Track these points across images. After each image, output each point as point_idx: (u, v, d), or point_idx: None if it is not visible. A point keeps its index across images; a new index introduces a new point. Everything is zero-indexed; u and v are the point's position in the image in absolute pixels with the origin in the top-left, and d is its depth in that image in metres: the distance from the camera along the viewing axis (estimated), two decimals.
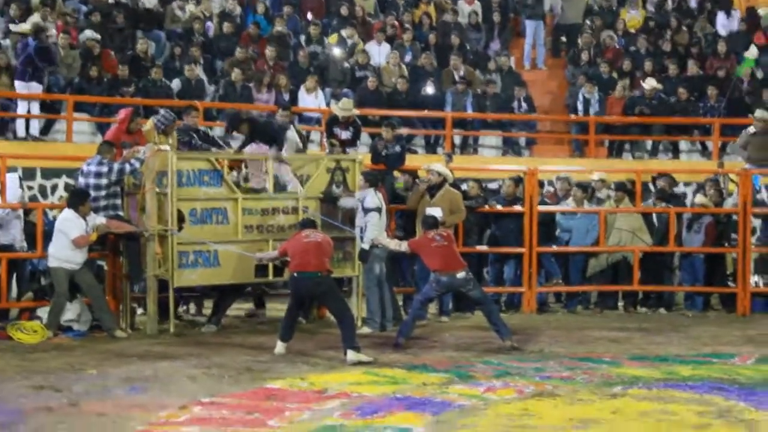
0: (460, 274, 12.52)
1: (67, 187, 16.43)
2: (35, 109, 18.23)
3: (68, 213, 12.73)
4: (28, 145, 17.50)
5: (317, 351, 12.05)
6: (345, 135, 15.44)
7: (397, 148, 15.78)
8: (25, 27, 19.05)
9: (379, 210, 13.54)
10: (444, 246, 12.58)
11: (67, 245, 12.68)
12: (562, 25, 24.79)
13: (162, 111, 14.39)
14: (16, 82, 18.14)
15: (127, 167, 13.09)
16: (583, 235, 15.87)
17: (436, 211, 13.89)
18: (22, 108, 18.13)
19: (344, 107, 15.71)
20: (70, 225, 12.66)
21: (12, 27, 19.49)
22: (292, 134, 14.50)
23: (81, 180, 13.32)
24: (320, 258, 11.77)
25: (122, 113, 14.23)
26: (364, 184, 13.70)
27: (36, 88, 18.15)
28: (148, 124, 14.10)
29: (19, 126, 18.12)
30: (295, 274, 11.82)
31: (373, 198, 13.52)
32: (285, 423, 8.51)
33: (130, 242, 13.36)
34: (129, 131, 13.87)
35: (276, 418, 8.65)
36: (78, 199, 12.80)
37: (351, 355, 11.25)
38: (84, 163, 13.38)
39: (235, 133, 14.27)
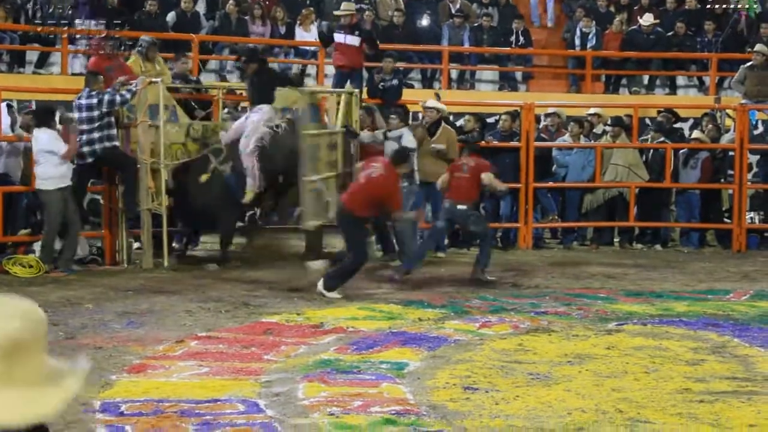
0: (461, 207, 12.56)
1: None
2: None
3: (46, 132, 12.59)
4: (23, 78, 17.38)
5: (314, 287, 12.06)
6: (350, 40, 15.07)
7: (395, 82, 15.67)
8: None
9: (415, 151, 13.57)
10: (463, 177, 12.68)
11: (57, 162, 12.55)
12: None
13: (140, 39, 14.45)
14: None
15: (118, 99, 12.91)
16: (580, 171, 15.84)
17: (441, 147, 14.17)
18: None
19: (345, 9, 15.27)
20: (55, 142, 12.54)
21: None
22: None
23: (75, 115, 13.23)
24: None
25: (94, 42, 14.22)
26: (398, 123, 13.73)
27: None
28: (133, 56, 14.03)
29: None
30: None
31: (409, 137, 13.51)
32: (281, 357, 8.55)
33: (126, 175, 13.30)
34: (109, 57, 13.80)
35: (272, 353, 8.69)
36: (46, 116, 12.74)
37: (320, 286, 11.24)
38: (76, 97, 13.30)
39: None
